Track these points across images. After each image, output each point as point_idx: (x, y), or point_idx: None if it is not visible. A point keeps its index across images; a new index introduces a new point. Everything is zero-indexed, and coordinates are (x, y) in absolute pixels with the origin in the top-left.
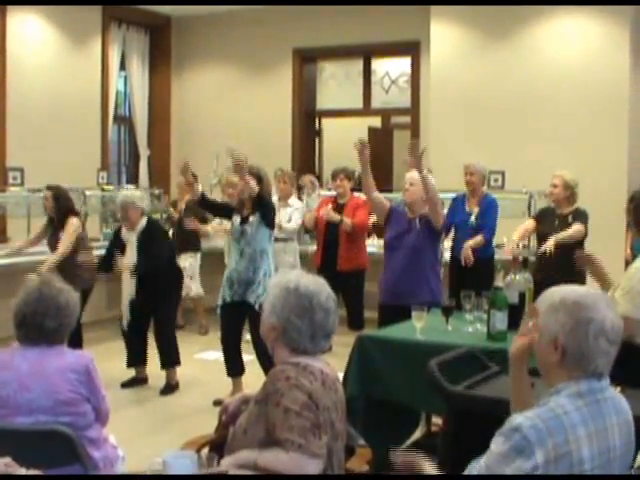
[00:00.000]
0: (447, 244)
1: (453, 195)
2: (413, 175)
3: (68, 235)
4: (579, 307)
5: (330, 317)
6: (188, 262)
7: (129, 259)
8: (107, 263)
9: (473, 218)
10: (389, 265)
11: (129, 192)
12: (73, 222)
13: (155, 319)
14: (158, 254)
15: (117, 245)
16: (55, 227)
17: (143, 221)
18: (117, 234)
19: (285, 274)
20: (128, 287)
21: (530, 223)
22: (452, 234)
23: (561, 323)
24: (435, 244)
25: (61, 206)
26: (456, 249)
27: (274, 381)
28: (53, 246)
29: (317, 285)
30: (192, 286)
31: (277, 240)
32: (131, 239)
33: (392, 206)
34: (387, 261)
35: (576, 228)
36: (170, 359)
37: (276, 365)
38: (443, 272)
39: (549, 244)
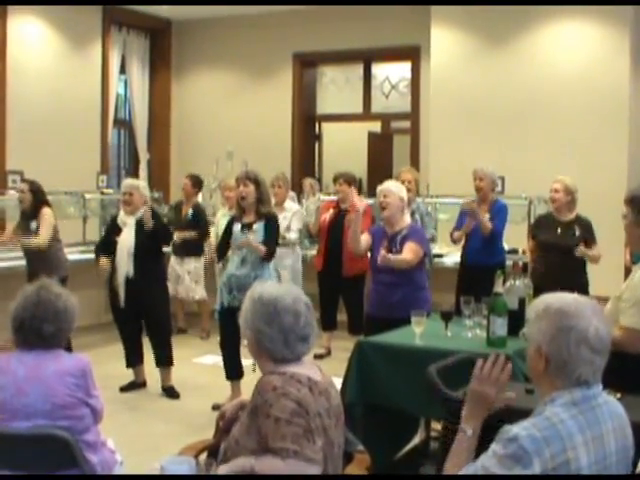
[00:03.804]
0: (447, 249)
1: (452, 200)
2: (385, 186)
3: (47, 223)
4: (561, 315)
5: (301, 319)
6: (192, 266)
7: (125, 241)
8: (106, 247)
9: (482, 229)
10: (375, 281)
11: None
12: (47, 211)
13: (150, 318)
14: (167, 228)
15: (113, 230)
16: (28, 219)
17: (143, 209)
18: (114, 220)
19: (255, 286)
20: (124, 265)
21: (531, 244)
22: (462, 241)
23: (543, 331)
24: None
25: (37, 198)
26: (467, 256)
27: (261, 392)
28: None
29: (283, 290)
30: (197, 290)
31: (281, 245)
32: (129, 222)
33: (371, 230)
34: (373, 277)
35: None
36: (165, 357)
37: (263, 376)
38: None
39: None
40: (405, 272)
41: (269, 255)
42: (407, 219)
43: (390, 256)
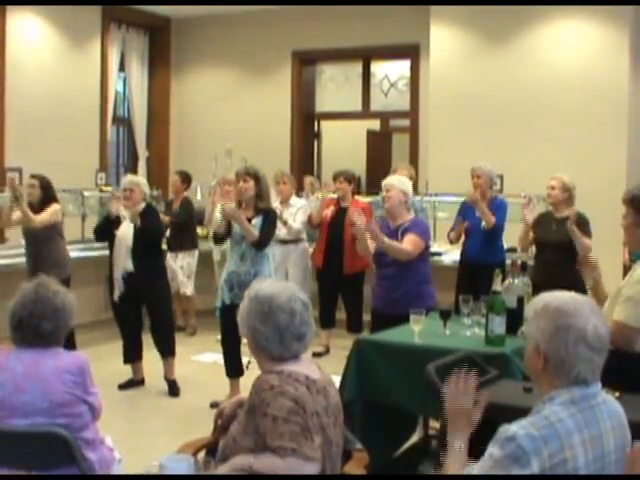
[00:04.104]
0: (445, 247)
1: (451, 198)
2: (388, 181)
3: (51, 211)
4: (559, 314)
5: (296, 318)
6: (186, 261)
7: (124, 234)
8: (104, 230)
9: (484, 222)
10: (379, 276)
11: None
12: (56, 206)
13: (153, 314)
14: (159, 223)
15: (111, 219)
16: (35, 214)
17: (142, 204)
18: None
19: (253, 284)
20: (122, 260)
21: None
22: (462, 238)
23: (542, 330)
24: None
25: (47, 194)
26: (467, 254)
27: (258, 391)
28: (30, 233)
29: (279, 288)
30: (188, 285)
31: (287, 242)
32: (128, 216)
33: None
34: (378, 272)
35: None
36: (168, 348)
37: (260, 375)
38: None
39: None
40: (409, 265)
41: (260, 244)
42: (411, 213)
43: (385, 239)
